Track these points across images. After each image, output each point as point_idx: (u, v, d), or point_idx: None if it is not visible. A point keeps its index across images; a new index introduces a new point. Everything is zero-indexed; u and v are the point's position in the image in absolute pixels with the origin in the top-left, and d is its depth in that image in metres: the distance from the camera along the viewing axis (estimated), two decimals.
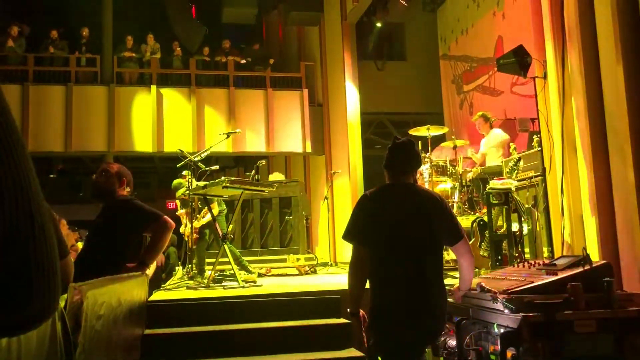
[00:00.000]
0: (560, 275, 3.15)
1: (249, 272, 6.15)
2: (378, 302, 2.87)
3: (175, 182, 7.14)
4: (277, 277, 7.06)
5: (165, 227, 3.67)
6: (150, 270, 4.49)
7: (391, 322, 2.82)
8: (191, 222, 6.45)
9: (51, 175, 15.51)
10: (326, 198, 9.47)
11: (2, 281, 0.61)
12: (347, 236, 2.96)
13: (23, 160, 0.65)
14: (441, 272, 2.97)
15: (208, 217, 6.52)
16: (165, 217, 3.71)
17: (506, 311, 3.02)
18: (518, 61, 5.04)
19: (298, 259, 7.30)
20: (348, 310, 2.97)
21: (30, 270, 0.62)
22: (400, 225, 2.88)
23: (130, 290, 2.88)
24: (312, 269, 7.55)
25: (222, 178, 5.44)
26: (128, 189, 3.94)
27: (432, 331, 2.91)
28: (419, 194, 2.96)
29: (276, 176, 8.30)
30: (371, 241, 2.90)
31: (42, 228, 0.64)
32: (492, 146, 7.47)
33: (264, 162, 7.86)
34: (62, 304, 1.50)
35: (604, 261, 3.38)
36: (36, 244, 0.63)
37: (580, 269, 3.15)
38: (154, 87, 11.71)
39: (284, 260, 7.37)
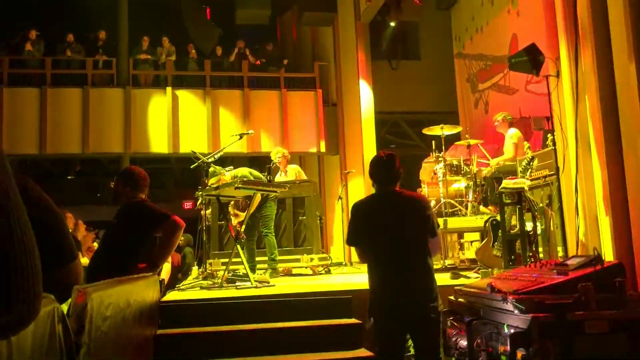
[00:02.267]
0: (571, 276, 3.12)
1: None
2: (372, 285, 3.34)
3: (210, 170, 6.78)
4: (290, 277, 7.07)
5: (175, 227, 3.71)
6: (166, 271, 4.55)
7: (383, 297, 3.26)
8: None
9: (69, 177, 15.71)
10: (340, 198, 9.47)
11: None
12: (350, 242, 3.51)
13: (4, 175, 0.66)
14: (427, 259, 3.34)
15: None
16: (175, 216, 3.75)
17: (516, 311, 3.00)
18: (530, 60, 4.99)
19: (312, 259, 7.30)
20: None
21: (10, 280, 0.64)
22: (387, 226, 3.33)
23: (141, 291, 2.91)
24: (325, 269, 7.55)
25: (235, 179, 5.48)
26: (144, 193, 4.00)
27: (420, 305, 3.22)
28: (402, 199, 3.43)
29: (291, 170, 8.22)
30: (367, 240, 3.39)
31: (21, 240, 0.66)
32: (509, 145, 7.45)
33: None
34: (65, 307, 1.53)
35: (616, 261, 3.34)
36: (16, 255, 0.65)
37: (591, 269, 3.12)
38: (169, 89, 11.81)
39: (298, 261, 7.37)
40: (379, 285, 3.31)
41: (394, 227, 3.31)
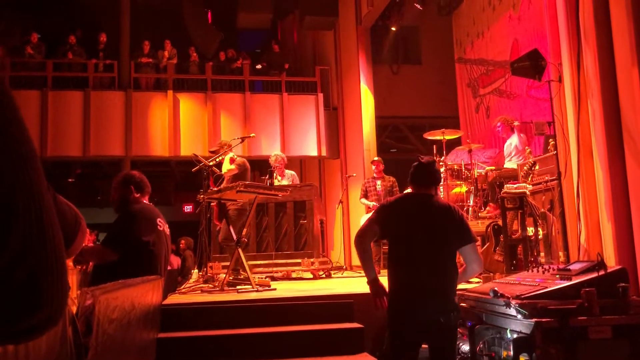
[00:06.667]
0: (575, 281, 3.12)
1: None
2: (392, 286, 3.19)
3: None
4: (291, 281, 7.07)
5: (102, 253, 3.75)
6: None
7: (402, 300, 3.13)
8: None
9: (70, 180, 15.70)
10: (341, 202, 9.47)
11: (14, 290, 0.63)
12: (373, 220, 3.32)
13: (36, 172, 0.67)
14: (452, 267, 3.19)
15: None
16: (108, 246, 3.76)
17: (519, 316, 3.00)
18: (532, 65, 5.00)
19: (312, 263, 7.30)
20: (367, 281, 3.25)
21: (41, 280, 0.64)
22: (417, 226, 3.20)
23: (144, 293, 2.91)
24: (326, 273, 7.54)
25: (237, 182, 5.48)
26: (139, 194, 3.98)
27: (440, 311, 3.07)
28: (435, 201, 3.32)
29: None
30: (391, 236, 3.28)
31: (52, 239, 0.66)
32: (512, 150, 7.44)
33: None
34: (74, 308, 1.53)
35: (619, 266, 3.34)
36: (48, 254, 0.65)
37: (594, 274, 3.12)
38: (170, 92, 11.82)
39: (299, 264, 7.37)
40: (399, 287, 3.18)
41: (424, 230, 3.18)
